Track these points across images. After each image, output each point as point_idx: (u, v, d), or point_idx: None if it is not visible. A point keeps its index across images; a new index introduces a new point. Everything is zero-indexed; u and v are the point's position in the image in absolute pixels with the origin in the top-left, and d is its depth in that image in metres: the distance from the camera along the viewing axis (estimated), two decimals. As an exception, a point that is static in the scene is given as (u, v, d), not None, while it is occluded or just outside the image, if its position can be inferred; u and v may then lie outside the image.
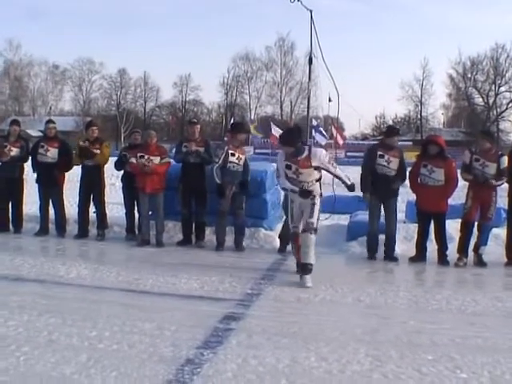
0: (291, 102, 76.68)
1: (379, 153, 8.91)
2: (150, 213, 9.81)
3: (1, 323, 5.37)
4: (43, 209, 10.40)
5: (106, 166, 10.29)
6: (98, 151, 10.03)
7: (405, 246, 9.35)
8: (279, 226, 9.87)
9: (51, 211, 10.44)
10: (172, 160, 9.94)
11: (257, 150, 58.52)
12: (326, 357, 4.73)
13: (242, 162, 9.39)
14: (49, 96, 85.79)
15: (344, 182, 7.51)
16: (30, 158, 10.42)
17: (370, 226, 9.00)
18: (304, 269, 7.24)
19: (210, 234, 9.78)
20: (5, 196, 10.37)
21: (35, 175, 10.48)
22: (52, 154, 10.20)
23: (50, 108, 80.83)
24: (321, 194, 7.48)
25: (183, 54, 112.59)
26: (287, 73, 78.88)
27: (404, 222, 10.47)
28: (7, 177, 10.27)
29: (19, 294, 6.44)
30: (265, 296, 6.52)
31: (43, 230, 10.30)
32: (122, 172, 10.21)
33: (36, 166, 10.36)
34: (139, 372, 4.35)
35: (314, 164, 7.21)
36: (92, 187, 10.12)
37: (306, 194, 7.28)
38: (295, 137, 7.32)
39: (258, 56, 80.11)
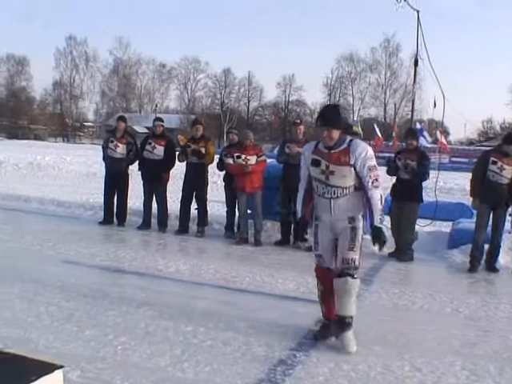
0: (395, 105, 75.69)
1: (492, 159, 8.50)
2: (249, 211, 9.90)
3: (101, 313, 5.57)
4: (147, 204, 10.70)
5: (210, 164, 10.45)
6: (203, 149, 10.19)
7: (508, 257, 8.98)
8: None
9: (154, 206, 10.71)
10: (268, 159, 10.02)
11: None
12: (420, 367, 4.62)
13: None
14: (155, 94, 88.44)
15: (371, 218, 4.96)
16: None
17: (477, 234, 8.59)
18: (342, 324, 4.97)
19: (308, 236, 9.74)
20: (111, 190, 10.76)
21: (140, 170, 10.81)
22: (158, 151, 10.45)
23: (156, 105, 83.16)
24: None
25: (287, 55, 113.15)
26: (392, 74, 78.05)
27: (509, 233, 10.05)
28: (114, 171, 10.65)
29: (120, 285, 6.68)
30: (361, 301, 6.43)
31: (146, 224, 10.59)
32: (224, 172, 10.31)
33: (142, 162, 10.68)
34: (232, 369, 4.39)
35: (352, 162, 4.86)
36: (195, 184, 10.28)
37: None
38: (338, 115, 4.98)
39: (362, 57, 79.67)
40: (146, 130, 57.71)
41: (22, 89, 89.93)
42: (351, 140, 4.94)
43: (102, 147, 11.05)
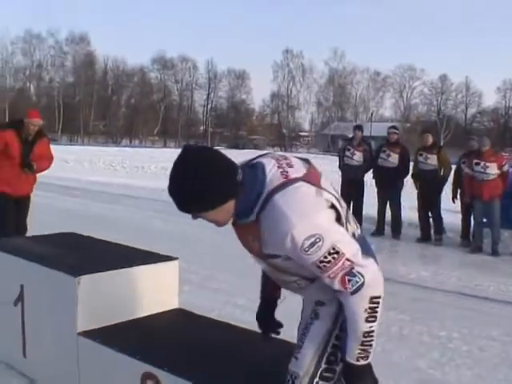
0: None
1: None
2: (485, 220, 9.72)
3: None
4: (380, 211, 10.89)
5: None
6: (435, 157, 10.24)
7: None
8: None
9: (388, 213, 10.87)
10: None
11: None
12: None
13: None
14: (370, 102, 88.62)
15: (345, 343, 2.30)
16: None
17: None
18: None
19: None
20: (347, 197, 11.09)
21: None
22: (393, 158, 10.63)
23: (372, 114, 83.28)
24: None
25: (508, 57, 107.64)
26: None
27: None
28: (350, 178, 10.99)
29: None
30: None
31: (379, 231, 10.79)
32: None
33: (376, 170, 10.92)
34: (493, 375, 4.44)
35: (266, 253, 2.28)
36: (428, 191, 10.29)
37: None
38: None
39: None
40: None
41: (241, 101, 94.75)
42: (266, 200, 2.17)
43: (339, 155, 11.46)
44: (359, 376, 2.28)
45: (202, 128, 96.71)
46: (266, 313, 2.80)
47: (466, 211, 10.17)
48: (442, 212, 10.40)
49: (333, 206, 2.22)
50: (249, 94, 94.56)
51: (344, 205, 2.35)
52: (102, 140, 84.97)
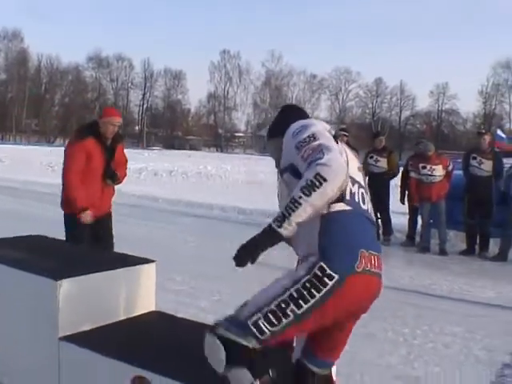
0: (556, 111, 71.88)
1: None
2: (431, 221, 10.00)
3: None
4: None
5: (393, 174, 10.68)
6: (385, 160, 10.45)
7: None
8: None
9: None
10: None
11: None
12: None
13: None
14: (306, 104, 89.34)
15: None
16: None
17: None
18: None
19: (493, 246, 9.67)
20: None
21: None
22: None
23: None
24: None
25: (441, 62, 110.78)
26: (552, 80, 73.96)
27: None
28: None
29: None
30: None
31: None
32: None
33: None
34: (461, 370, 4.59)
35: (282, 164, 2.73)
36: (378, 195, 10.47)
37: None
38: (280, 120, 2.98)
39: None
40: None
41: (177, 101, 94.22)
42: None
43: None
44: (262, 232, 2.43)
45: (137, 128, 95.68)
46: None
47: (413, 212, 10.44)
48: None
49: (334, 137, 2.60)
50: (185, 95, 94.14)
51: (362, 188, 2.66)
52: (35, 139, 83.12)
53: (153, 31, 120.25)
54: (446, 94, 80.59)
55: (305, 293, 2.41)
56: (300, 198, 2.33)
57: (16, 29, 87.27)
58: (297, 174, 2.49)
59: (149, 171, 25.55)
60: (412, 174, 10.09)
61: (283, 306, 2.43)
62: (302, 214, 2.34)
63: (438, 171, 9.78)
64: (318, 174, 2.32)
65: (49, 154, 36.05)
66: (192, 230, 11.32)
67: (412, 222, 10.53)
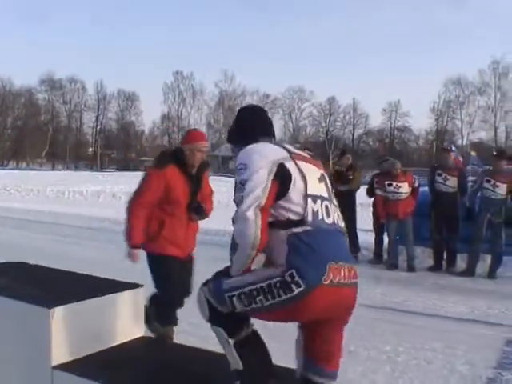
0: (506, 128, 73.61)
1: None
2: (398, 237, 10.12)
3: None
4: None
5: (357, 191, 10.79)
6: (351, 177, 10.57)
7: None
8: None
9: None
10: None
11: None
12: None
13: (499, 191, 9.31)
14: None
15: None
16: None
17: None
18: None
19: (460, 261, 9.82)
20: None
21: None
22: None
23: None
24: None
25: (392, 81, 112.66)
26: (502, 96, 75.79)
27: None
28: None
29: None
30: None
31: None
32: (373, 198, 10.60)
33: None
34: (447, 386, 4.65)
35: None
36: (344, 211, 10.56)
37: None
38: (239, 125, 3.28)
39: (470, 80, 78.00)
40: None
41: (131, 123, 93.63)
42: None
43: None
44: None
45: (90, 150, 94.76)
46: None
47: (379, 230, 10.57)
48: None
49: (281, 166, 2.82)
50: (139, 116, 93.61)
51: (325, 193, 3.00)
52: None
53: (105, 53, 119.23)
54: (399, 111, 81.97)
55: (274, 290, 2.72)
56: (230, 255, 2.88)
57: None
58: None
59: (107, 193, 25.31)
60: (378, 192, 10.23)
61: (254, 293, 2.76)
62: (239, 265, 2.82)
63: (404, 188, 9.94)
64: (233, 236, 2.80)
65: (4, 176, 35.54)
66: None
67: (379, 240, 10.64)
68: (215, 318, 2.92)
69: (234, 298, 2.80)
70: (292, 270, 2.68)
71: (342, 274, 2.84)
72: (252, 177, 2.76)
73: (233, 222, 2.78)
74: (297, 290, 2.67)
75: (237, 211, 2.75)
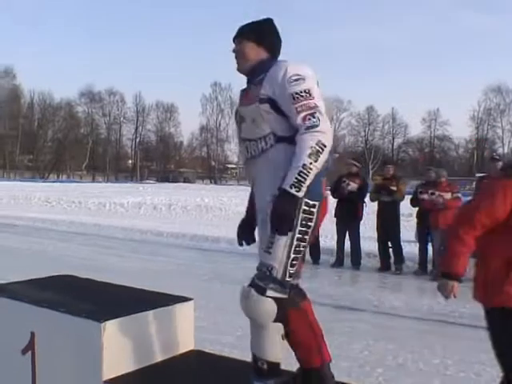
0: (548, 135, 72.40)
1: None
2: (442, 248, 9.97)
3: (345, 347, 5.86)
4: (340, 241, 11.06)
5: (402, 202, 10.69)
6: (395, 188, 10.46)
7: None
8: None
9: (347, 244, 11.04)
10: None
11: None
12: None
13: None
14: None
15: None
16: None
17: None
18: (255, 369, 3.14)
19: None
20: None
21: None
22: (352, 188, 10.82)
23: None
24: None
25: (432, 89, 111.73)
26: (545, 103, 74.52)
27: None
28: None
29: (348, 320, 6.98)
30: None
31: (339, 262, 10.96)
32: (417, 208, 10.49)
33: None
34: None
35: (262, 94, 2.91)
36: (388, 222, 10.51)
37: None
38: (262, 26, 3.21)
39: (510, 88, 76.84)
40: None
41: (170, 134, 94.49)
42: (278, 64, 2.99)
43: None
44: (285, 201, 2.74)
45: (130, 162, 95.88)
46: (247, 225, 3.36)
47: (423, 240, 10.44)
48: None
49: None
50: (177, 127, 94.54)
51: None
52: (29, 175, 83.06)
53: (144, 65, 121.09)
54: (438, 120, 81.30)
55: (304, 229, 2.89)
56: (311, 163, 2.72)
57: (8, 65, 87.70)
58: (278, 111, 2.89)
59: (148, 205, 25.47)
60: (424, 197, 10.12)
61: (297, 248, 2.91)
62: (312, 177, 2.75)
63: (448, 197, 9.82)
64: (319, 141, 2.74)
65: (45, 189, 36.08)
66: (200, 263, 11.27)
67: (423, 250, 10.50)
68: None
69: (288, 269, 2.91)
70: (304, 199, 2.84)
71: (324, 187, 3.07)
72: (314, 89, 2.92)
73: (307, 127, 2.77)
74: (315, 210, 2.93)
75: (316, 123, 2.77)
